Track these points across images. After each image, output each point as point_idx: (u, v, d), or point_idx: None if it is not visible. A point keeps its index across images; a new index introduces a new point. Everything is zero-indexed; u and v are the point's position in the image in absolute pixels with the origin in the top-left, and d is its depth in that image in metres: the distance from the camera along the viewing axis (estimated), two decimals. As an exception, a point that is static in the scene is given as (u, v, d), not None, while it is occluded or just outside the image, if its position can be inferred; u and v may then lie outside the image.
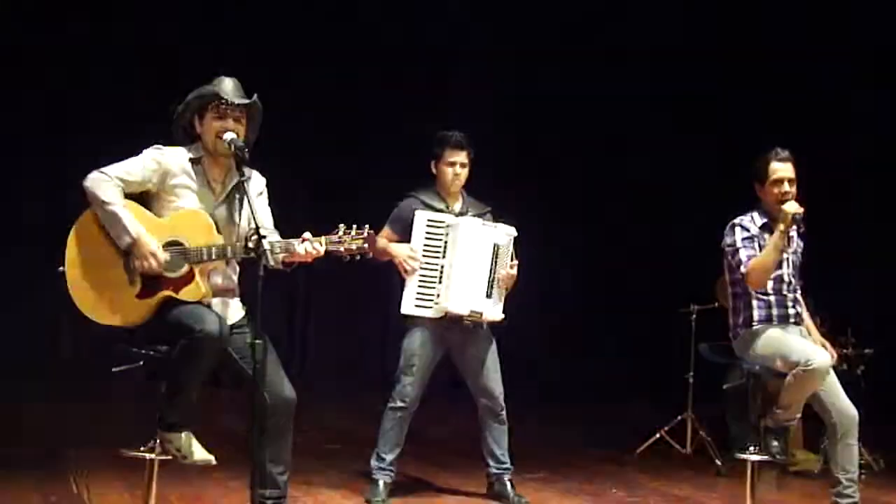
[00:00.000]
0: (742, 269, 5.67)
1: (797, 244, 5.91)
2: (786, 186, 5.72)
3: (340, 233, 4.64)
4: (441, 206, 6.10)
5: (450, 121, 6.54)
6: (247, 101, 4.77)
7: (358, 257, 4.66)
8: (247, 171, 4.63)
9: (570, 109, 12.65)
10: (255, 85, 4.93)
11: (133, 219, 4.54)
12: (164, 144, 4.75)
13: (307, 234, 4.61)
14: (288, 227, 4.83)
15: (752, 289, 5.74)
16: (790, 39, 11.65)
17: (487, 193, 6.42)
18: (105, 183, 4.54)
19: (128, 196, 4.61)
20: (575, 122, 12.79)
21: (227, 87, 4.75)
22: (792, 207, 5.62)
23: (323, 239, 4.63)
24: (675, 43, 12.27)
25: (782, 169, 5.75)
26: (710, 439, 8.04)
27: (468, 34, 12.40)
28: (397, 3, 12.11)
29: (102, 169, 4.58)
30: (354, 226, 4.66)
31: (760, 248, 5.71)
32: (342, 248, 4.63)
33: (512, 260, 6.04)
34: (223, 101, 4.69)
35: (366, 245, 4.63)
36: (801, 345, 5.57)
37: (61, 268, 4.59)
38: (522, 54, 12.48)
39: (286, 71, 11.68)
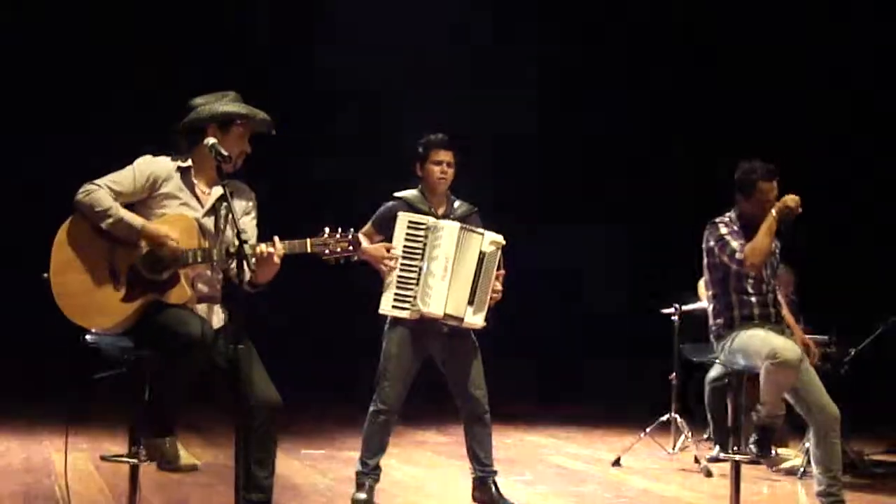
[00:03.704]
0: (738, 255, 5.69)
1: (775, 245, 5.94)
2: (772, 196, 5.78)
3: (326, 235, 4.65)
4: (425, 207, 6.10)
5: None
6: (274, 131, 4.87)
7: (342, 261, 4.68)
8: (237, 183, 4.74)
9: (561, 110, 12.72)
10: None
11: (130, 214, 4.56)
12: (153, 154, 4.77)
13: (275, 239, 4.62)
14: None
15: (751, 272, 5.76)
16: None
17: (475, 192, 6.41)
18: (97, 192, 4.56)
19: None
20: (565, 121, 12.84)
21: (242, 104, 4.82)
22: (793, 202, 5.65)
23: (308, 241, 4.64)
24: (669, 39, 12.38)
25: (770, 188, 5.80)
26: (695, 439, 8.06)
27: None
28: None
29: (93, 181, 4.60)
30: (339, 228, 4.67)
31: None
32: (327, 251, 4.63)
33: (498, 269, 6.03)
34: (252, 123, 4.80)
35: (351, 248, 4.65)
36: (772, 339, 5.58)
37: (45, 274, 4.60)
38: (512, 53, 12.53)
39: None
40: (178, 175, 4.73)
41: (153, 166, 4.70)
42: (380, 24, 12.11)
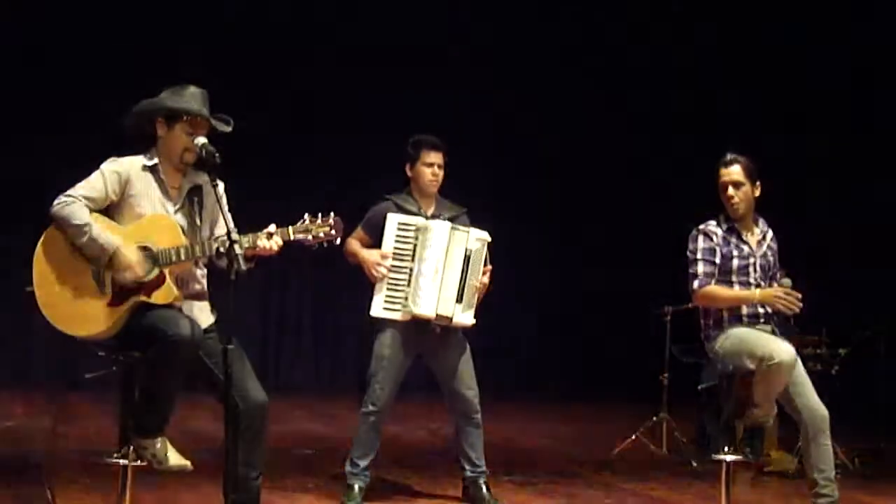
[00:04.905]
0: (695, 285, 5.72)
1: (767, 247, 5.93)
2: (730, 191, 5.76)
3: (307, 221, 4.67)
4: (414, 208, 6.09)
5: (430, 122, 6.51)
6: (228, 129, 4.78)
7: (325, 244, 4.70)
8: (204, 175, 4.72)
9: (552, 107, 12.73)
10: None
11: (107, 234, 4.53)
12: (118, 155, 4.75)
13: (272, 228, 4.62)
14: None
15: (697, 304, 5.81)
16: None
17: (467, 192, 6.41)
18: (72, 205, 4.54)
19: (93, 212, 4.60)
20: (557, 123, 12.85)
21: (202, 105, 4.75)
22: (778, 294, 5.61)
23: (290, 228, 4.66)
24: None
25: (725, 174, 5.79)
26: (686, 440, 8.06)
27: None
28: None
29: (67, 192, 4.58)
30: (320, 213, 4.68)
31: (724, 257, 5.74)
32: (310, 237, 4.67)
33: (485, 265, 6.02)
34: (201, 120, 4.70)
35: (333, 231, 4.68)
36: (765, 341, 5.56)
37: (29, 287, 4.57)
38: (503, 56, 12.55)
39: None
40: (147, 173, 4.73)
41: (121, 168, 4.69)
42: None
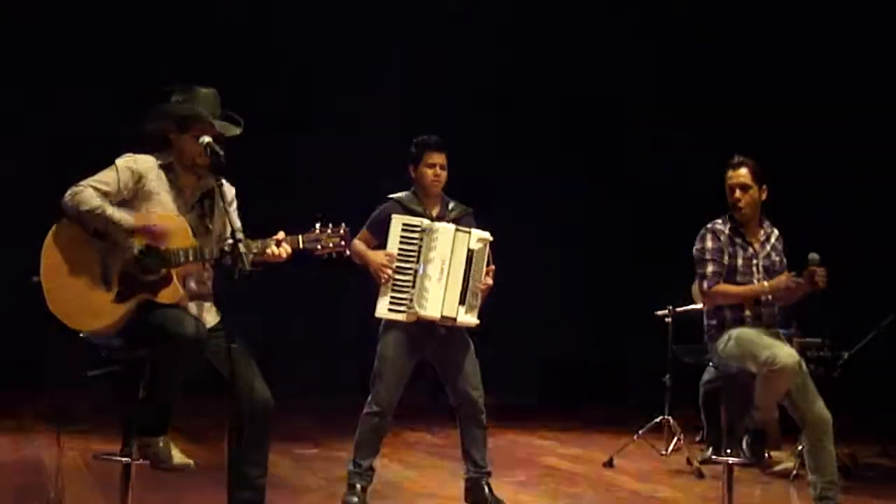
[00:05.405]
0: (705, 285, 5.72)
1: (772, 247, 5.93)
2: (737, 193, 5.77)
3: (317, 231, 4.66)
4: (419, 209, 6.09)
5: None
6: (238, 131, 4.78)
7: (334, 255, 4.68)
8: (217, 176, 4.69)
9: (551, 105, 12.73)
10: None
11: (121, 212, 4.53)
12: (134, 152, 4.75)
13: (281, 234, 4.62)
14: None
15: (706, 304, 5.81)
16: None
17: (468, 191, 6.41)
18: (83, 193, 4.53)
19: None
20: (563, 121, 12.85)
21: (213, 107, 4.76)
22: (785, 284, 5.65)
23: (300, 237, 4.65)
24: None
25: (732, 176, 5.80)
26: (688, 441, 8.06)
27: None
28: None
29: (78, 183, 4.57)
30: (330, 224, 4.68)
31: (730, 256, 5.75)
32: (319, 247, 4.65)
33: (488, 265, 6.03)
34: (211, 125, 4.70)
35: (342, 243, 4.66)
36: (769, 344, 5.56)
37: (35, 277, 4.57)
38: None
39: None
40: (162, 172, 4.73)
41: (136, 164, 4.69)
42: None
